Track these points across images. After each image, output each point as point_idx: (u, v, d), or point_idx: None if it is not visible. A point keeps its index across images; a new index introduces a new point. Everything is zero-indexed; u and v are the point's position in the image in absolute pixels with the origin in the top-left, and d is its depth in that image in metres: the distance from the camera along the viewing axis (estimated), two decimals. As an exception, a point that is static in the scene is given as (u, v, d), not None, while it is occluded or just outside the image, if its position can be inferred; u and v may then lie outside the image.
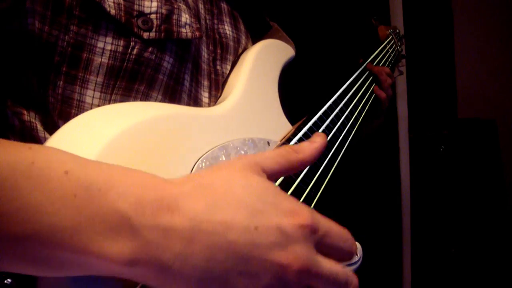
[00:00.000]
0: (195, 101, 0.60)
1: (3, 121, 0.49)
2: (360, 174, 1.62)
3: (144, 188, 0.33)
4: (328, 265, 0.38)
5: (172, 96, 0.56)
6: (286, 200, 0.38)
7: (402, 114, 1.87)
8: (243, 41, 0.71)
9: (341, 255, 0.40)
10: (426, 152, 1.90)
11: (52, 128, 0.49)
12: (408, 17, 1.78)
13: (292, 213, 0.37)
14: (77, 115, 0.48)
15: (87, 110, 0.49)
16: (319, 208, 0.67)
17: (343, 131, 0.75)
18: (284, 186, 0.59)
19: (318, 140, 0.47)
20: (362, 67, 0.94)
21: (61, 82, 0.48)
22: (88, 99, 0.50)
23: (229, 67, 0.67)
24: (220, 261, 0.33)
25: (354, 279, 0.41)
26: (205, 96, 0.63)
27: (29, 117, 0.49)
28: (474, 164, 1.86)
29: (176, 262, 0.32)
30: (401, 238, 1.80)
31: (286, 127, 0.67)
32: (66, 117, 0.49)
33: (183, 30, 0.55)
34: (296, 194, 0.62)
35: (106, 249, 0.31)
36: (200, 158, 0.49)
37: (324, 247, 0.39)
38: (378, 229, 1.69)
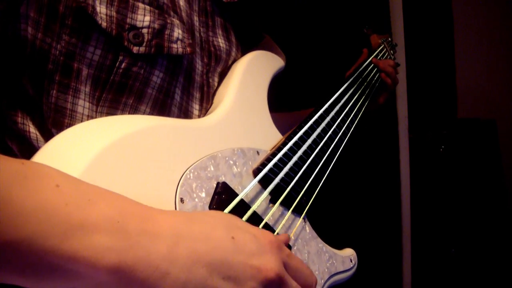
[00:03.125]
0: (185, 114, 0.61)
1: (2, 126, 0.50)
2: (360, 174, 1.63)
3: (129, 203, 0.37)
4: (295, 284, 0.43)
5: (161, 109, 0.56)
6: (253, 226, 0.44)
7: (402, 114, 1.86)
8: (233, 53, 0.71)
9: (301, 281, 0.45)
10: (426, 152, 1.89)
11: (48, 135, 0.50)
12: (408, 17, 1.77)
13: (261, 231, 0.43)
14: (69, 124, 0.50)
15: (79, 119, 0.51)
16: (313, 213, 0.67)
17: (334, 139, 0.76)
18: (274, 195, 0.60)
19: None
20: (365, 64, 0.98)
21: (54, 91, 0.49)
22: (80, 109, 0.50)
23: (217, 79, 0.67)
24: (205, 265, 0.36)
25: None
26: (196, 108, 0.63)
27: (23, 124, 0.50)
28: (474, 164, 1.85)
29: (163, 263, 0.34)
30: (401, 238, 1.80)
31: (276, 136, 0.67)
32: (59, 126, 0.50)
33: (174, 45, 0.55)
34: (287, 202, 0.62)
35: (94, 253, 0.32)
36: (189, 168, 0.50)
37: (289, 269, 0.43)
38: (378, 229, 1.70)
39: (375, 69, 1.02)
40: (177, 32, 0.56)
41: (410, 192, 1.82)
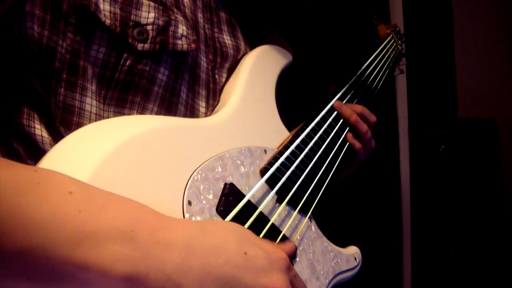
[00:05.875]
0: (191, 112, 0.60)
1: (8, 128, 0.50)
2: (360, 174, 1.62)
3: (142, 211, 0.36)
4: None
5: (168, 107, 0.56)
6: (266, 240, 0.45)
7: (402, 114, 1.86)
8: (242, 48, 0.71)
9: None
10: (426, 152, 1.90)
11: (56, 134, 0.49)
12: (408, 16, 1.77)
13: (273, 247, 0.44)
14: (78, 122, 0.49)
15: (87, 117, 0.50)
16: (318, 211, 0.67)
17: (341, 135, 0.75)
18: (281, 194, 0.60)
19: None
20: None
21: (62, 89, 0.48)
22: (88, 107, 0.50)
23: (225, 75, 0.67)
24: (215, 280, 0.36)
25: None
26: (202, 106, 0.63)
27: (28, 127, 0.49)
28: (474, 164, 1.85)
29: (175, 275, 0.34)
30: (401, 238, 1.80)
31: (283, 133, 0.67)
32: (67, 124, 0.49)
33: (179, 42, 0.55)
34: (294, 201, 0.62)
35: (106, 261, 0.31)
36: (196, 169, 0.49)
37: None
38: (378, 229, 1.70)
39: (383, 60, 0.98)
40: (181, 29, 0.55)
41: (410, 192, 1.82)
